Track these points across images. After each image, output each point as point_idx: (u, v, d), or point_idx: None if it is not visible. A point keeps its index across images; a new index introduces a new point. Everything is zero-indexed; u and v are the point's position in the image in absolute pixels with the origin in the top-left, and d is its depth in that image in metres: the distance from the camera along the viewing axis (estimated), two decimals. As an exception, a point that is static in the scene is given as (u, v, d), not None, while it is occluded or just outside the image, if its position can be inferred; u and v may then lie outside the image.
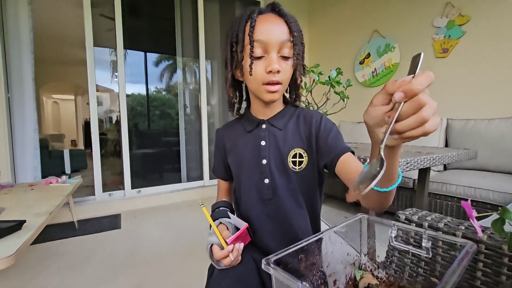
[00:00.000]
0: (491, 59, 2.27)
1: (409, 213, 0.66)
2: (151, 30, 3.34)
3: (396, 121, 0.30)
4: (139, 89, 3.42)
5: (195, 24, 3.15)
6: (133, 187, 2.83)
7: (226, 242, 0.59)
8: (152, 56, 3.42)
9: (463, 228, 0.56)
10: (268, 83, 0.61)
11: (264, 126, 0.71)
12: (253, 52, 0.59)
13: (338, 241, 0.45)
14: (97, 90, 2.62)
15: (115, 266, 1.61)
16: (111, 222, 2.34)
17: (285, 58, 0.61)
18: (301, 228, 0.68)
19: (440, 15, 2.57)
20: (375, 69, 3.24)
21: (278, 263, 0.32)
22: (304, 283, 0.27)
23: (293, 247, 0.35)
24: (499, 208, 0.34)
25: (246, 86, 0.72)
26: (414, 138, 0.30)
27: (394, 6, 3.00)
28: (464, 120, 2.32)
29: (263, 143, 0.69)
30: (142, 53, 3.35)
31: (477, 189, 1.81)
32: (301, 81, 0.70)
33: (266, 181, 0.68)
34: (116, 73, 2.86)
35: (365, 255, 0.50)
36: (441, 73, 2.60)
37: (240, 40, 0.62)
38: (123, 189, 2.80)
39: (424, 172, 1.64)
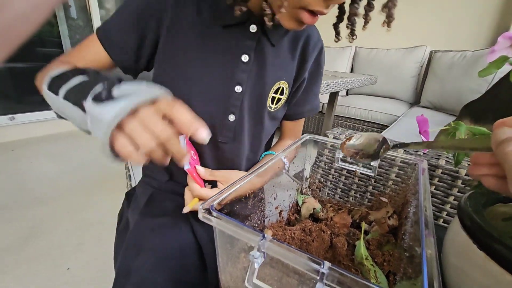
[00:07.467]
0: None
1: (337, 133, 0.66)
2: None
3: None
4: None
5: None
6: (1, 113, 2.16)
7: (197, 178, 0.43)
8: None
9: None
10: (309, 11, 0.34)
11: (253, 29, 0.42)
12: None
13: (285, 168, 0.39)
14: None
15: (-9, 211, 1.29)
16: (-25, 159, 1.80)
17: None
18: None
19: None
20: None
21: (221, 209, 0.22)
22: (267, 235, 0.19)
23: (238, 181, 0.26)
24: (451, 122, 0.32)
25: None
26: None
27: None
28: (369, 48, 2.53)
29: (245, 58, 0.43)
30: None
31: (370, 111, 2.11)
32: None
33: (231, 118, 0.46)
34: None
35: (307, 179, 0.47)
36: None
37: None
38: (-15, 116, 2.11)
39: (334, 96, 1.77)
